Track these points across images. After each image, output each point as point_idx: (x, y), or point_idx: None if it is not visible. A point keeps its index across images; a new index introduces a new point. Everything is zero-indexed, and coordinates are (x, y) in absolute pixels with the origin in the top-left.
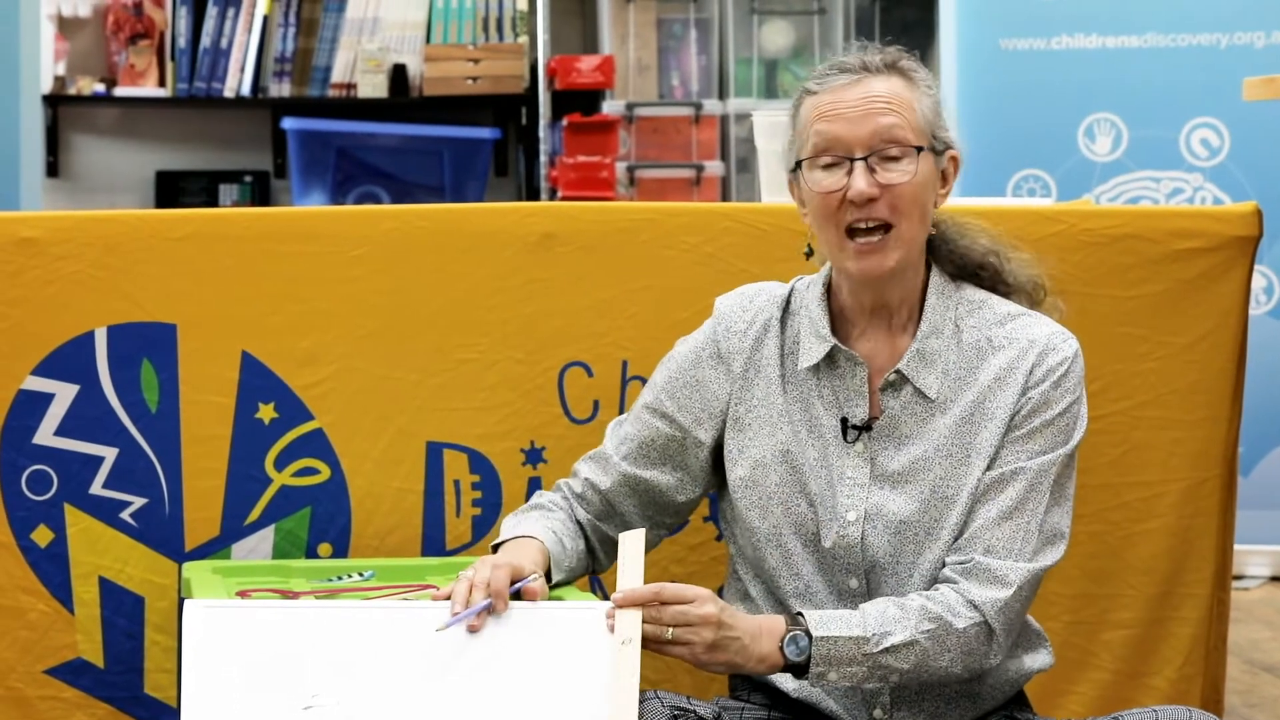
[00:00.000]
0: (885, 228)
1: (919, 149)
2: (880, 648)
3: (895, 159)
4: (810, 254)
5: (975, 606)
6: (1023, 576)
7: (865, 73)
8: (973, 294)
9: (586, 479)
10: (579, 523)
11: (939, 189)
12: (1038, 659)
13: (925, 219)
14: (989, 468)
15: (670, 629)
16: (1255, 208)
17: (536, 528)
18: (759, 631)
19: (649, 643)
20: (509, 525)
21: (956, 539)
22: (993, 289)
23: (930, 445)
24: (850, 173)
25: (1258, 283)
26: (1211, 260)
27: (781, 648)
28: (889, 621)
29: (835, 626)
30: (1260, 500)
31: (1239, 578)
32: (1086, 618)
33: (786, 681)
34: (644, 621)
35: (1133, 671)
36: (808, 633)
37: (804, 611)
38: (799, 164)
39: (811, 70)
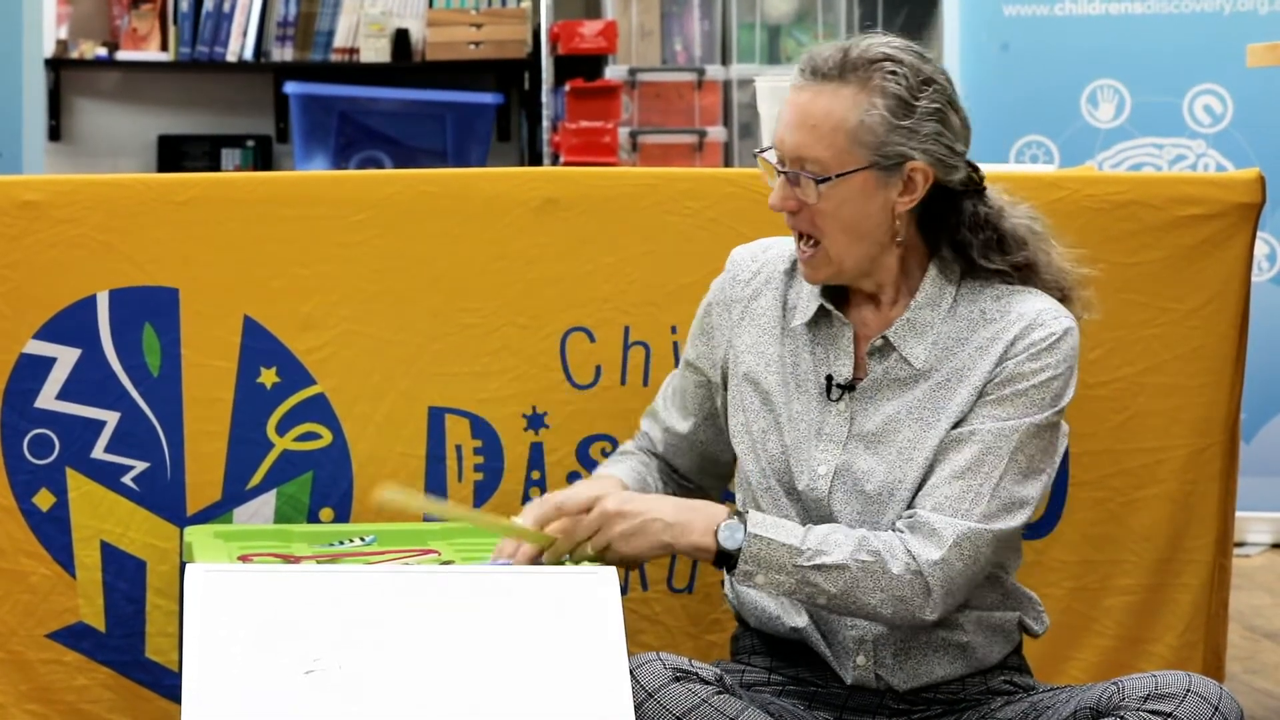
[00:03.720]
0: (816, 240)
1: (824, 178)
2: (811, 563)
3: (812, 178)
4: None
5: (913, 557)
6: (961, 534)
7: (813, 79)
8: (979, 271)
9: (645, 432)
10: (658, 456)
11: (897, 198)
12: (1026, 616)
13: (859, 237)
14: (954, 428)
15: (588, 543)
16: (1258, 174)
17: (617, 469)
18: (690, 518)
19: (597, 558)
20: (597, 473)
21: (914, 496)
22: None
23: (903, 408)
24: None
25: (1260, 250)
26: (1214, 227)
27: (716, 534)
28: (828, 542)
29: (773, 530)
30: (1262, 467)
31: (1240, 544)
32: (1088, 584)
33: (793, 618)
34: (568, 547)
35: (1134, 638)
36: (745, 527)
37: (750, 510)
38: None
39: (811, 40)
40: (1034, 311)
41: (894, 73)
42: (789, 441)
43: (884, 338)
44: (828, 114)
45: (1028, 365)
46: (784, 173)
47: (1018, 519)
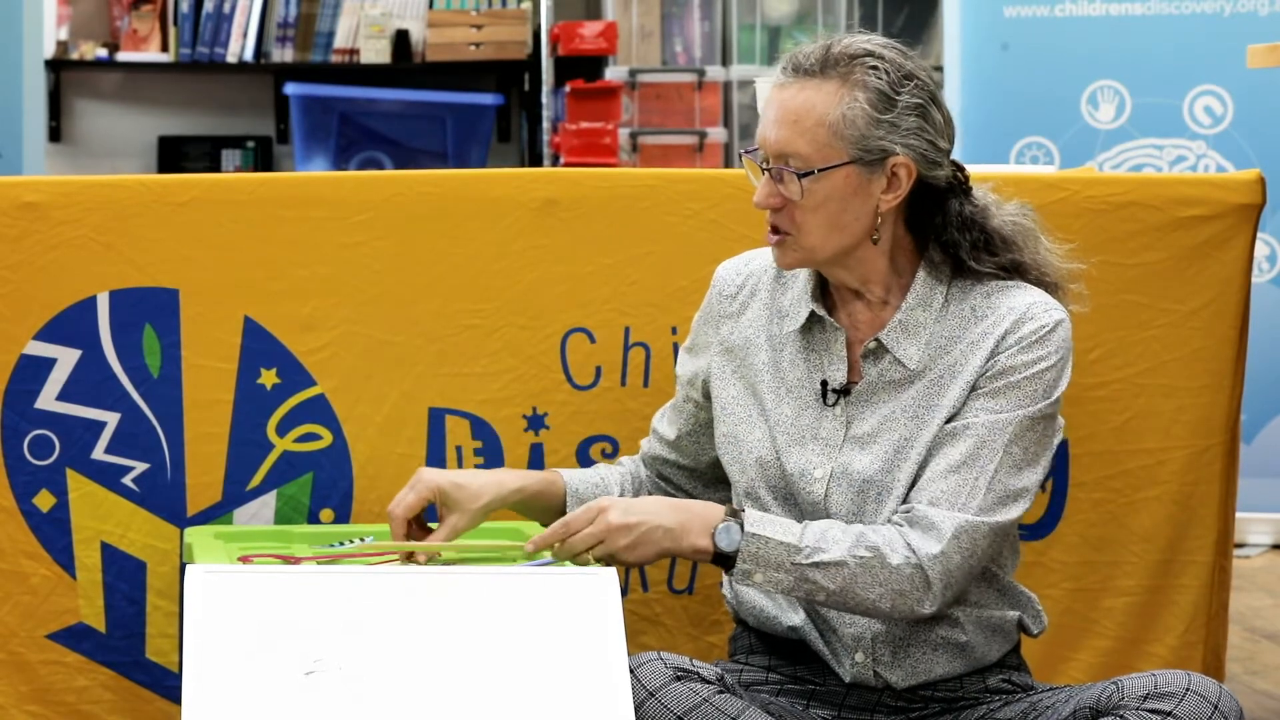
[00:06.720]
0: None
1: (807, 173)
2: (809, 561)
3: (795, 173)
4: None
5: (912, 550)
6: (959, 527)
7: (795, 75)
8: (969, 271)
9: (645, 451)
10: (643, 479)
11: (881, 194)
12: (1024, 615)
13: (839, 229)
14: (948, 422)
15: (590, 553)
16: (1258, 175)
17: (579, 471)
18: (687, 520)
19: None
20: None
21: (909, 491)
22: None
23: (898, 407)
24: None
25: (1260, 250)
26: (1214, 228)
27: (713, 535)
28: (826, 539)
29: (771, 529)
30: (1262, 468)
31: (1240, 545)
32: (1088, 585)
33: (790, 616)
34: (572, 556)
35: (1134, 639)
36: (742, 527)
37: (746, 509)
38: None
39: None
40: (1024, 305)
41: (875, 68)
42: (782, 446)
43: (877, 340)
44: (809, 109)
45: (1020, 358)
46: (768, 170)
47: (1014, 511)
